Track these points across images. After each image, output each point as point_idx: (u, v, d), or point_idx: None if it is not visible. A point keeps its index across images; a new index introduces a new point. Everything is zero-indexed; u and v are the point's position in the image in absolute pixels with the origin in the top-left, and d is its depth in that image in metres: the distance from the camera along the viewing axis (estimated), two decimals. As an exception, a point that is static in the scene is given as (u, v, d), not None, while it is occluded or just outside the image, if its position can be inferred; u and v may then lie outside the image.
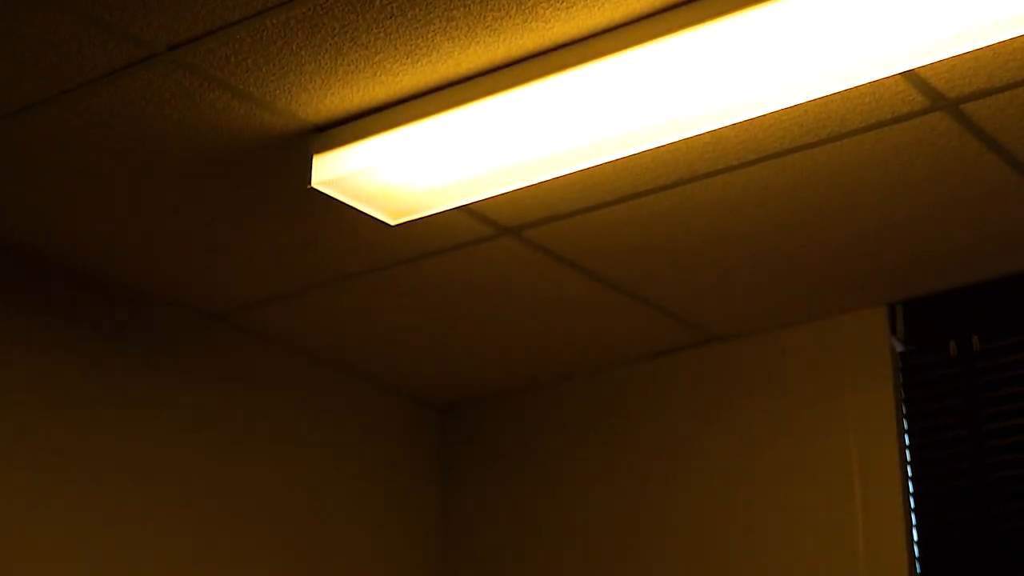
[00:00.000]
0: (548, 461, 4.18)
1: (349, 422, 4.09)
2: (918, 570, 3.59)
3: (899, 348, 3.75)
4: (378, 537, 4.09)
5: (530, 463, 4.21)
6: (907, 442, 3.68)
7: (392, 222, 3.21)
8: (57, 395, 3.41)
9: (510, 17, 2.68)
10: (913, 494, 3.64)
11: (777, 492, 3.79)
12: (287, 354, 3.96)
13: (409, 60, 2.80)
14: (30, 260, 3.43)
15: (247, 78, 2.85)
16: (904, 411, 3.70)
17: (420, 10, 2.66)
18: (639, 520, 3.98)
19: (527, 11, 2.66)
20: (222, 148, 3.07)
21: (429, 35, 2.73)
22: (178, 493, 3.61)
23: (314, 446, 3.97)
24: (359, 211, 3.20)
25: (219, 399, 3.76)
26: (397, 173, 2.99)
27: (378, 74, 2.84)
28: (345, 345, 3.99)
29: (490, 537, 4.22)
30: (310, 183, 3.01)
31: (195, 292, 3.70)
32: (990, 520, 3.54)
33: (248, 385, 3.85)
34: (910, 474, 3.66)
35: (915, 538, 3.62)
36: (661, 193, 3.26)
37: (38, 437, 3.35)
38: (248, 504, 3.77)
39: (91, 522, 3.42)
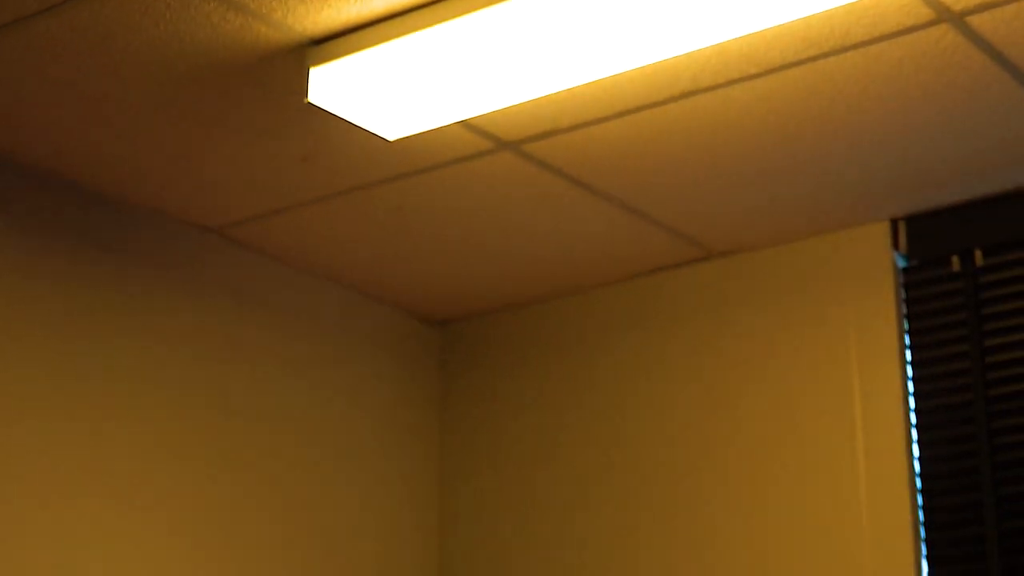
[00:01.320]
0: (547, 375, 4.17)
1: (347, 337, 4.08)
2: (918, 485, 3.60)
3: (901, 263, 3.73)
4: (377, 450, 4.09)
5: (529, 377, 4.21)
6: (908, 358, 3.67)
7: (390, 137, 3.19)
8: (48, 309, 3.39)
9: (509, -73, 2.64)
10: (914, 410, 3.64)
11: (777, 408, 3.78)
12: (284, 269, 3.95)
13: (407, -28, 2.77)
14: (23, 174, 3.39)
15: (242, -10, 2.82)
16: (906, 327, 3.69)
17: (418, -80, 2.62)
18: (637, 436, 3.98)
19: (527, -79, 2.62)
20: (218, 61, 3.04)
21: (427, -54, 2.69)
22: (172, 406, 3.60)
23: (312, 360, 3.97)
24: (357, 126, 3.17)
25: (215, 314, 3.75)
26: (395, 87, 2.96)
27: (375, -14, 2.81)
28: (343, 260, 3.97)
29: (489, 450, 4.22)
30: (307, 97, 2.98)
31: (191, 206, 3.67)
32: (991, 435, 3.54)
33: (245, 300, 3.83)
34: (911, 390, 3.65)
35: (916, 454, 3.61)
36: (662, 107, 3.23)
37: (28, 350, 3.33)
38: (245, 418, 3.76)
39: (82, 433, 3.40)
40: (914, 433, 3.63)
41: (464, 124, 3.27)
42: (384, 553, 4.05)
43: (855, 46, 3.00)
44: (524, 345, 4.24)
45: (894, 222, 3.75)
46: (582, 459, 4.06)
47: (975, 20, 2.91)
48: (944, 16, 2.90)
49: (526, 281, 4.12)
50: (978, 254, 3.65)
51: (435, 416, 4.28)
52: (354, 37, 2.92)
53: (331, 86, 2.95)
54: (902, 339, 3.68)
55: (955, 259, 3.68)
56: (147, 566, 3.47)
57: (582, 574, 3.98)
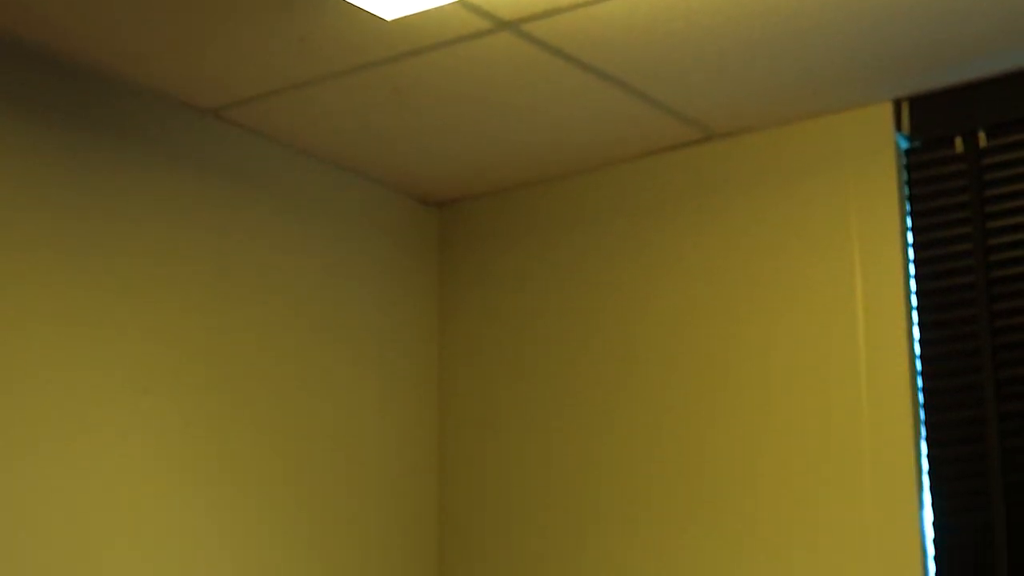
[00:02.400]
0: (546, 257, 4.16)
1: (345, 218, 4.06)
2: (918, 368, 3.60)
3: (904, 145, 3.70)
4: (375, 332, 4.09)
5: (528, 259, 4.19)
6: (910, 240, 3.66)
7: (388, 16, 3.14)
8: (44, 190, 3.36)
9: None
10: (915, 292, 3.63)
11: (778, 291, 3.77)
12: (281, 151, 3.91)
13: None
14: (19, 52, 3.35)
15: None
16: (908, 209, 3.67)
17: None
18: (637, 319, 3.97)
19: None
20: (212, -61, 2.99)
21: None
22: (169, 289, 3.58)
23: (309, 242, 3.95)
24: (354, 5, 3.12)
25: (212, 196, 3.72)
26: (393, -35, 2.91)
27: None
28: (341, 141, 3.94)
29: (488, 333, 4.22)
30: (303, -24, 2.94)
31: (188, 87, 3.63)
32: (992, 317, 3.53)
33: (242, 182, 3.80)
34: (912, 272, 3.64)
35: (916, 336, 3.61)
36: (664, -14, 3.18)
37: (24, 232, 3.31)
38: (243, 299, 3.75)
39: (80, 315, 3.39)
40: (915, 315, 3.62)
41: (462, 3, 3.23)
42: (383, 435, 4.06)
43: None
44: (523, 227, 4.22)
45: (897, 103, 3.71)
46: (580, 341, 4.05)
47: None
48: None
49: (525, 163, 4.09)
50: (981, 136, 3.62)
51: (433, 298, 4.27)
52: (351, -86, 2.87)
53: (328, -36, 2.90)
54: (904, 221, 3.66)
55: (958, 140, 3.65)
56: (145, 450, 3.47)
57: (578, 448, 3.99)
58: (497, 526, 4.10)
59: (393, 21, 3.25)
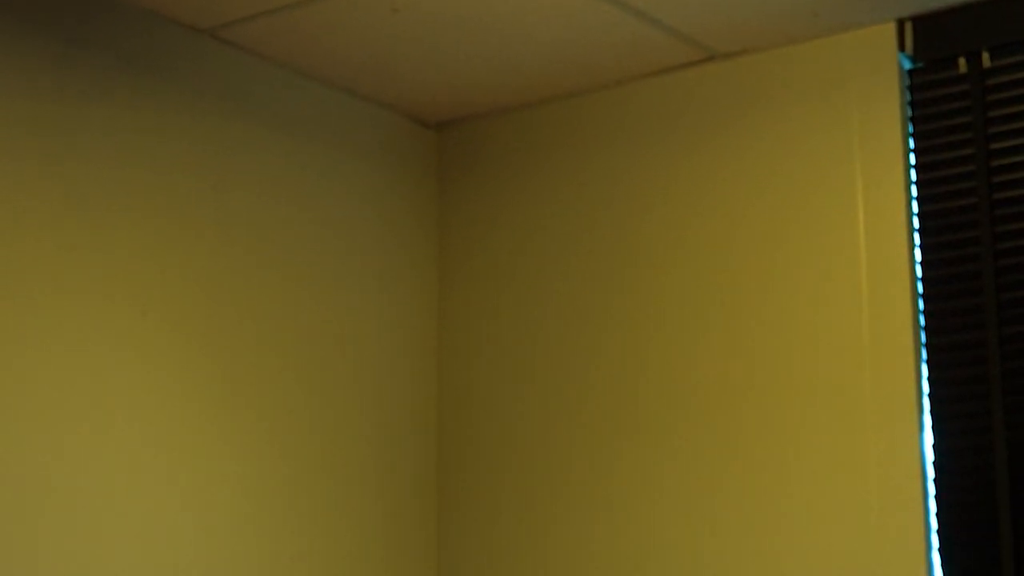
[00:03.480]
0: (546, 180, 4.14)
1: (343, 141, 4.03)
2: (920, 290, 3.58)
3: (907, 65, 3.67)
4: (374, 256, 4.07)
5: (528, 182, 4.17)
6: (913, 161, 3.63)
7: (387, -66, 3.11)
8: (33, 111, 3.32)
9: None
10: (917, 214, 3.61)
11: (780, 212, 3.76)
12: (278, 72, 3.87)
13: None
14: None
15: None
16: (911, 130, 3.64)
17: None
18: (637, 239, 3.95)
19: None
20: None
21: None
22: (165, 215, 3.55)
23: (307, 164, 3.92)
24: (352, -78, 3.09)
25: (207, 118, 3.68)
26: None
27: None
28: (338, 62, 3.90)
29: (487, 255, 4.20)
30: None
31: (182, 6, 3.59)
32: (994, 239, 3.52)
33: (238, 104, 3.77)
34: (914, 194, 3.62)
35: (918, 259, 3.59)
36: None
37: (15, 160, 3.28)
38: (239, 224, 3.72)
39: (79, 242, 3.37)
40: (916, 238, 3.60)
41: (462, -80, 3.19)
42: (383, 355, 4.05)
43: None
44: (523, 149, 4.19)
45: (900, 23, 3.68)
46: (581, 264, 4.04)
47: None
48: None
49: (525, 83, 4.06)
50: (985, 56, 3.58)
51: (433, 221, 4.25)
52: None
53: None
54: (906, 143, 3.64)
55: (962, 61, 3.61)
56: (145, 370, 3.46)
57: (574, 364, 3.99)
58: (494, 443, 4.10)
59: (392, -61, 3.21)
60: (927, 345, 3.57)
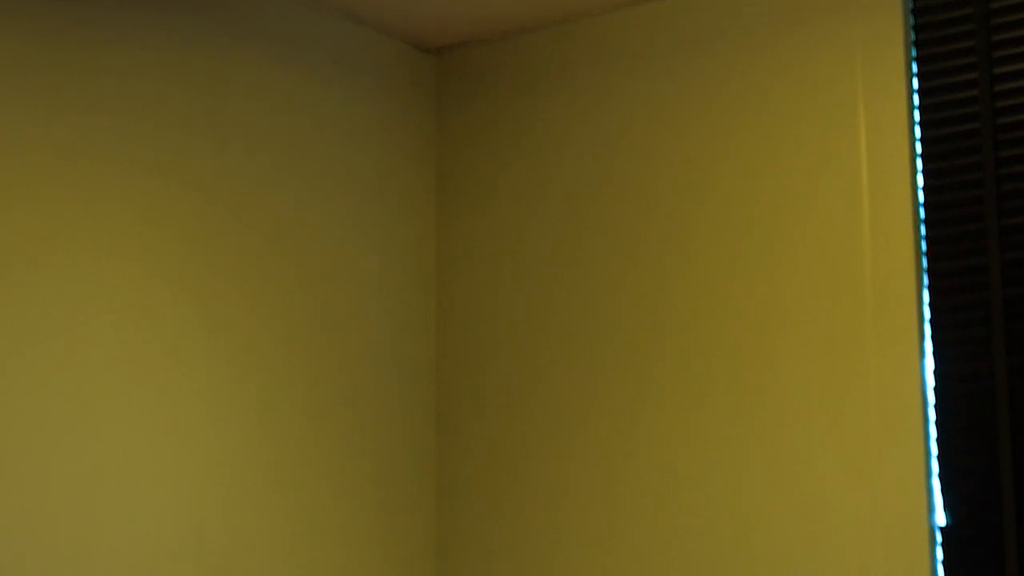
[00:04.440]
0: (545, 105, 4.11)
1: (342, 65, 4.00)
2: (922, 215, 3.57)
3: (911, -12, 3.65)
4: (373, 182, 4.06)
5: (527, 107, 4.15)
6: (916, 86, 3.60)
7: None
8: (36, 39, 3.29)
9: None
10: (920, 139, 3.58)
11: (780, 138, 3.73)
12: (277, -4, 3.85)
13: None
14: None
15: None
16: (914, 54, 3.61)
17: None
18: (635, 163, 3.93)
19: None
20: None
21: None
22: (164, 142, 3.54)
23: (306, 90, 3.89)
24: None
25: (206, 46, 3.66)
26: None
27: None
28: (337, -14, 3.88)
29: (486, 180, 4.18)
30: None
31: (180, -68, 3.56)
32: (997, 164, 3.50)
33: (236, 30, 3.74)
34: (917, 119, 3.59)
35: (920, 183, 3.57)
36: None
37: (13, 79, 3.26)
38: (238, 150, 3.71)
39: (77, 169, 3.35)
40: (919, 163, 3.58)
41: None
42: (382, 277, 4.04)
43: None
44: (522, 73, 4.16)
45: (904, -57, 3.65)
46: (579, 192, 4.02)
47: None
48: None
49: (526, 8, 4.02)
50: (990, -22, 3.56)
51: (432, 144, 4.23)
52: None
53: None
54: (909, 67, 3.61)
55: (966, -22, 3.59)
56: (146, 280, 3.45)
57: (576, 295, 3.99)
58: (494, 366, 4.10)
59: None
60: (928, 271, 3.56)
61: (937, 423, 3.50)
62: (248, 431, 3.65)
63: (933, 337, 3.53)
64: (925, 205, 3.57)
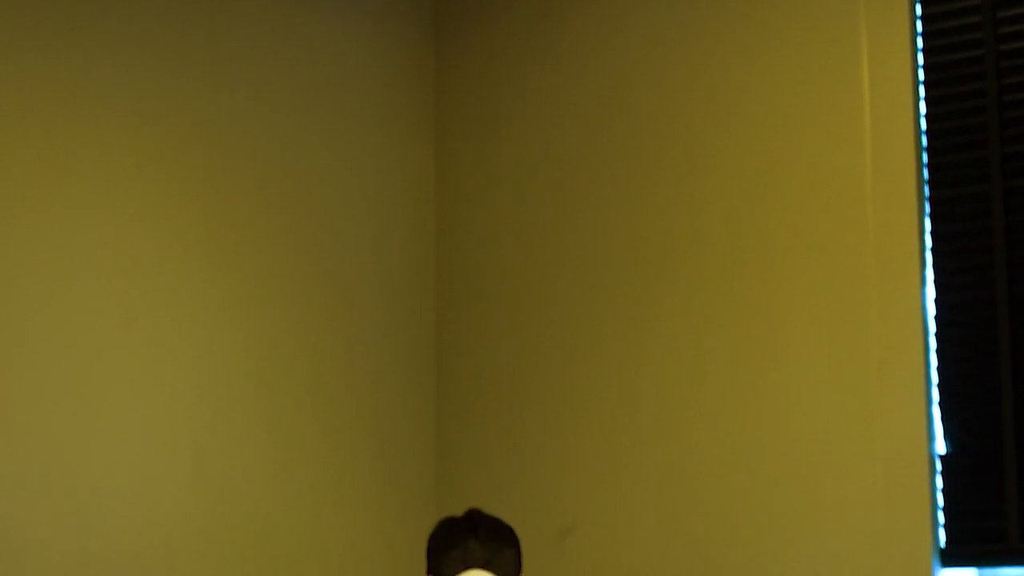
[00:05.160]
0: (546, 42, 4.06)
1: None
2: (924, 143, 3.54)
3: (912, -90, 3.61)
4: (372, 104, 4.00)
5: (526, 41, 4.09)
6: (919, 12, 3.57)
7: None
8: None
9: None
10: (923, 67, 3.56)
11: (780, 65, 3.71)
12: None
13: None
14: None
15: None
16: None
17: None
18: (638, 89, 3.90)
19: None
20: None
21: None
22: (157, 65, 3.46)
23: (303, 25, 3.82)
24: None
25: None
26: None
27: None
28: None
29: (486, 115, 4.13)
30: None
31: None
32: (1000, 92, 3.48)
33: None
34: (920, 45, 3.57)
35: (923, 111, 3.55)
36: None
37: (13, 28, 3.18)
38: (233, 78, 3.64)
39: (64, 93, 3.28)
40: (922, 90, 3.56)
41: None
42: (379, 204, 4.00)
43: None
44: (523, 5, 4.10)
45: None
46: (582, 125, 3.98)
47: None
48: None
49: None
50: None
51: (430, 66, 4.17)
52: None
53: None
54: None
55: (969, -88, 3.56)
56: (141, 223, 3.40)
57: (577, 215, 3.96)
58: (491, 281, 4.08)
59: None
60: (930, 199, 3.54)
61: (938, 352, 3.50)
62: (246, 357, 3.60)
63: (934, 266, 3.52)
64: (927, 133, 3.55)
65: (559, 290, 3.97)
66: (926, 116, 3.56)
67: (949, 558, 3.43)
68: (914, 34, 3.56)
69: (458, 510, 3.36)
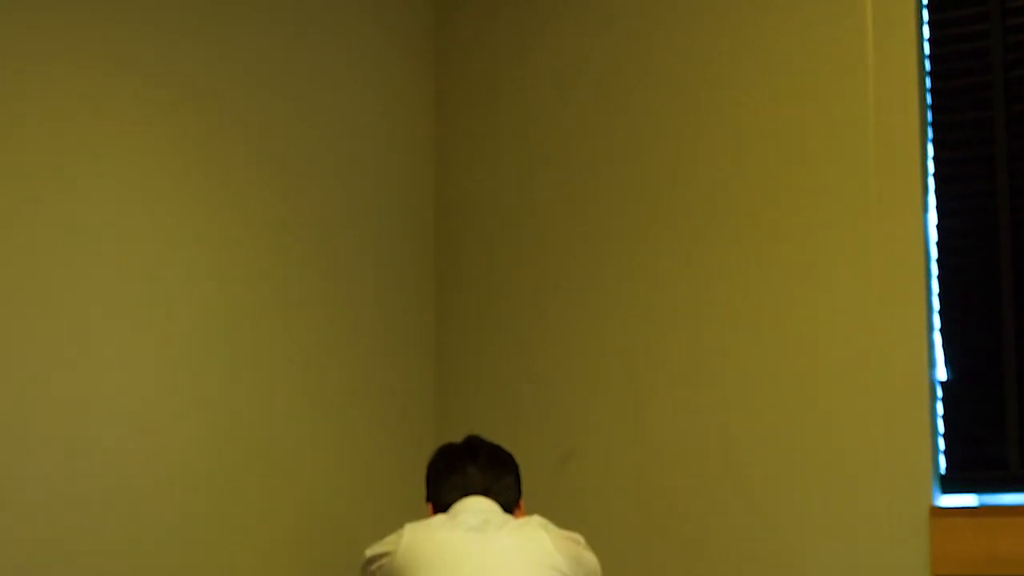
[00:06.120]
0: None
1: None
2: (928, 68, 3.51)
3: None
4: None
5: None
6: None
7: None
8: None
9: None
10: (927, 6, 3.53)
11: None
12: None
13: None
14: None
15: None
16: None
17: None
18: (641, 41, 3.86)
19: None
20: None
21: None
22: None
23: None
24: None
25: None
26: None
27: None
28: None
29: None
30: None
31: None
32: (1004, 15, 3.45)
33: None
34: (925, 5, 3.54)
35: (927, 35, 3.52)
36: None
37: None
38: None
39: (67, 49, 3.24)
40: (925, 14, 3.53)
41: None
42: (377, 153, 3.98)
43: None
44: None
45: None
46: (580, 46, 3.95)
47: None
48: None
49: None
50: None
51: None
52: None
53: None
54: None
55: None
56: (141, 144, 3.38)
57: (581, 166, 3.95)
58: (492, 227, 4.07)
59: None
60: (933, 124, 3.51)
61: (939, 277, 3.48)
62: (248, 267, 3.59)
63: (936, 191, 3.50)
64: (930, 57, 3.52)
65: (560, 219, 3.95)
66: (929, 40, 3.53)
67: (949, 484, 3.43)
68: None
69: (457, 438, 3.36)
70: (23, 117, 3.13)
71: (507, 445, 3.32)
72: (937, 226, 3.49)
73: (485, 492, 3.18)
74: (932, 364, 3.46)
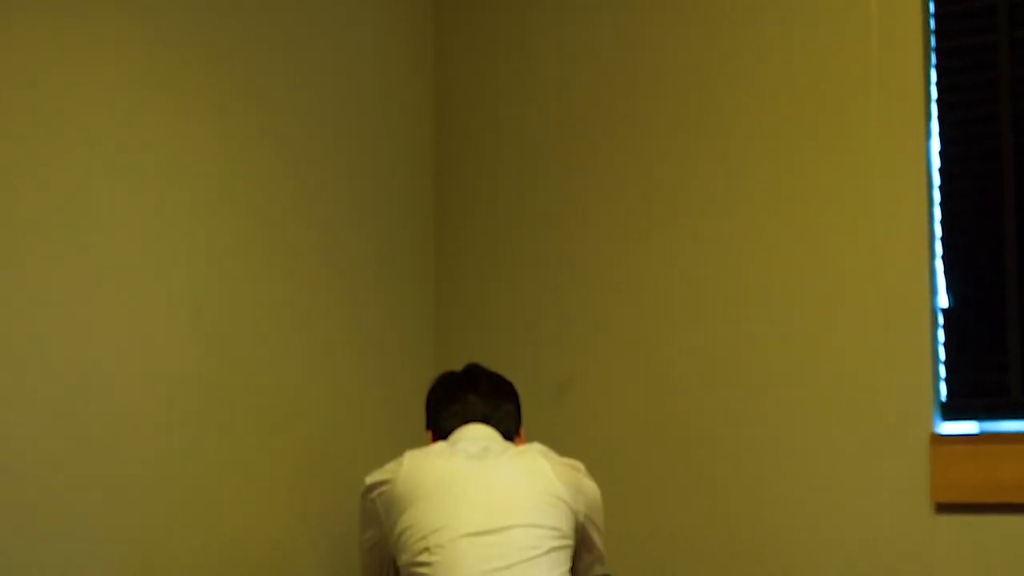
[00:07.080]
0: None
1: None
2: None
3: None
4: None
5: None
6: None
7: None
8: None
9: None
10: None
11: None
12: None
13: None
14: None
15: None
16: None
17: None
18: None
19: None
20: None
21: None
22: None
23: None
24: None
25: None
26: None
27: None
28: None
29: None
30: None
31: None
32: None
33: None
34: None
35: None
36: None
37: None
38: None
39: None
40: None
41: None
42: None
43: None
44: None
45: None
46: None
47: None
48: None
49: None
50: None
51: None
52: None
53: None
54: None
55: None
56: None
57: (586, 63, 3.92)
58: (491, 154, 4.05)
59: None
60: (936, 49, 3.48)
61: (941, 204, 3.47)
62: (244, 208, 3.55)
63: (939, 117, 3.48)
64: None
65: (561, 151, 3.93)
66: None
67: (950, 412, 3.43)
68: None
69: (457, 366, 3.36)
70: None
71: (507, 373, 3.32)
72: (940, 152, 3.47)
73: (485, 420, 3.19)
74: (934, 291, 3.45)
